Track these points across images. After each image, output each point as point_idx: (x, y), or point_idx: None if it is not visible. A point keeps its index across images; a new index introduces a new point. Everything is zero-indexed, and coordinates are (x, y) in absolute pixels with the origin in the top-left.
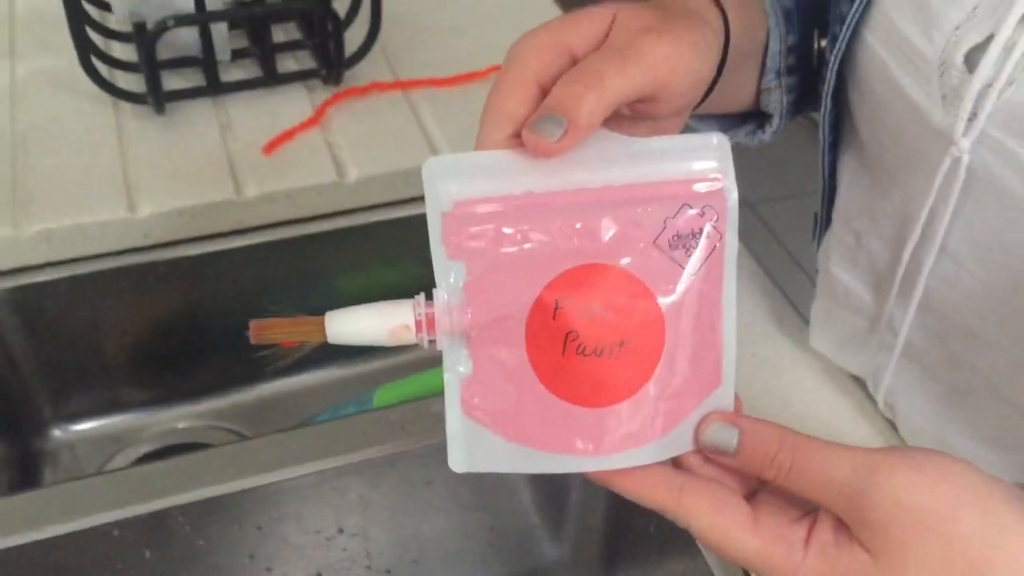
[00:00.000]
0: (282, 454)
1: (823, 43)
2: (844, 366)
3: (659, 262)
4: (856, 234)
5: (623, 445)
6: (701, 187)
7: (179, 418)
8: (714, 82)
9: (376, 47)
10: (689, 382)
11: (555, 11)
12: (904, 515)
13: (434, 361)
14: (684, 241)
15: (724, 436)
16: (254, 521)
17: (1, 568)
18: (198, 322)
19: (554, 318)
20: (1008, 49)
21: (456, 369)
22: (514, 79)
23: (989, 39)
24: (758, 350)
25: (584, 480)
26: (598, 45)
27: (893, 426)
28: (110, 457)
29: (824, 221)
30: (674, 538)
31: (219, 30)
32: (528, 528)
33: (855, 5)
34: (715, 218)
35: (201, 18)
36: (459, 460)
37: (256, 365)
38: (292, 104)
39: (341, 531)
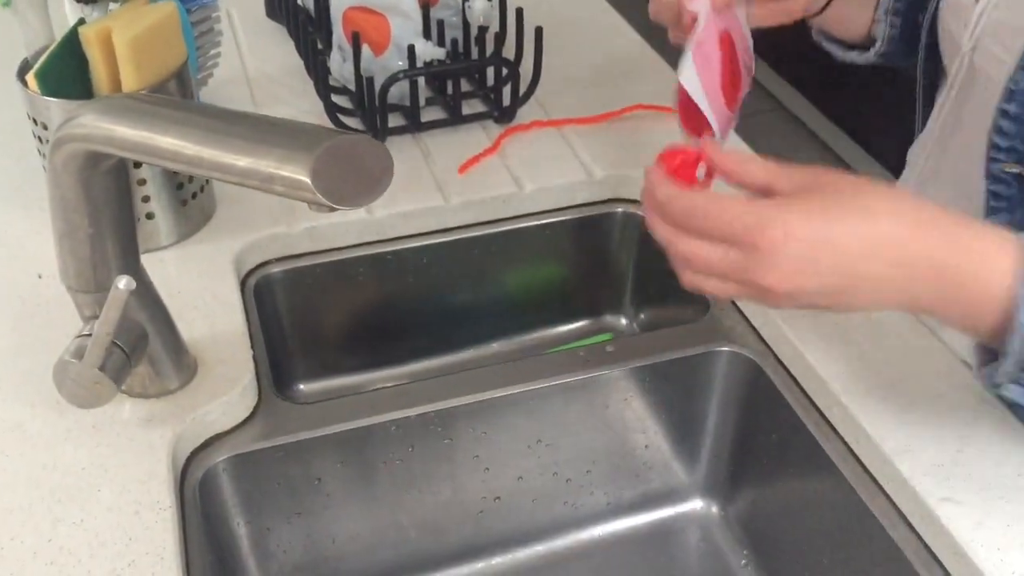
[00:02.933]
0: (506, 376)
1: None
2: None
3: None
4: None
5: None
6: None
7: (386, 379)
8: None
9: None
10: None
11: (664, 65)
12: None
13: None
14: None
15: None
16: (483, 427)
17: (318, 448)
18: (406, 302)
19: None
20: None
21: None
22: None
23: None
24: None
25: (718, 410)
26: None
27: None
28: None
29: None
30: (790, 461)
31: (420, 83)
32: (671, 453)
33: None
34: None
35: (421, 72)
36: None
37: (443, 339)
38: (471, 137)
39: (539, 441)
